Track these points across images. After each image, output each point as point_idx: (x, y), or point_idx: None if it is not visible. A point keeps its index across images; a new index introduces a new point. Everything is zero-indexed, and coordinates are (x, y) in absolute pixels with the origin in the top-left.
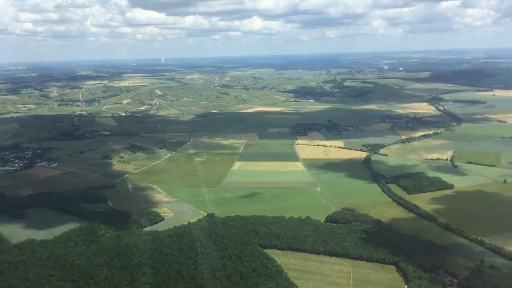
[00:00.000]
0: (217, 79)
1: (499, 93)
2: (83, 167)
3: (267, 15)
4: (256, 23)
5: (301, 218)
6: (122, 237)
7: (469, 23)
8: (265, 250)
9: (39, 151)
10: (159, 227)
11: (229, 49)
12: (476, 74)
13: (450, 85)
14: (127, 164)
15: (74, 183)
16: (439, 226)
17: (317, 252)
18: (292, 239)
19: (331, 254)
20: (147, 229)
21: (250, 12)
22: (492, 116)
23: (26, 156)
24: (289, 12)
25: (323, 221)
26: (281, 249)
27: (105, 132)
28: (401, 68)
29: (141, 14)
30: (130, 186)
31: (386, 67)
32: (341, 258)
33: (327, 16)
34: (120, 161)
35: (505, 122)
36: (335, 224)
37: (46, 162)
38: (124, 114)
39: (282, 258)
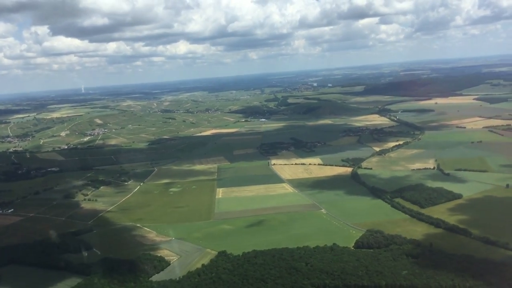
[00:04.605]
0: (155, 104)
1: (440, 101)
2: (45, 211)
3: (194, 38)
4: (181, 47)
5: (330, 247)
6: None
7: (383, 39)
8: None
9: None
10: (168, 274)
11: (151, 75)
12: (409, 85)
13: (388, 96)
14: (95, 202)
15: (41, 230)
16: (477, 240)
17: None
18: (343, 273)
19: (394, 287)
20: (155, 278)
21: (177, 36)
22: (448, 123)
23: None
24: (217, 35)
25: (352, 247)
26: (337, 287)
27: (53, 168)
28: (329, 84)
29: (60, 42)
30: (111, 227)
31: (315, 84)
32: None
33: (253, 37)
34: (85, 199)
35: (464, 127)
36: (371, 250)
37: None
38: (66, 147)
39: None
